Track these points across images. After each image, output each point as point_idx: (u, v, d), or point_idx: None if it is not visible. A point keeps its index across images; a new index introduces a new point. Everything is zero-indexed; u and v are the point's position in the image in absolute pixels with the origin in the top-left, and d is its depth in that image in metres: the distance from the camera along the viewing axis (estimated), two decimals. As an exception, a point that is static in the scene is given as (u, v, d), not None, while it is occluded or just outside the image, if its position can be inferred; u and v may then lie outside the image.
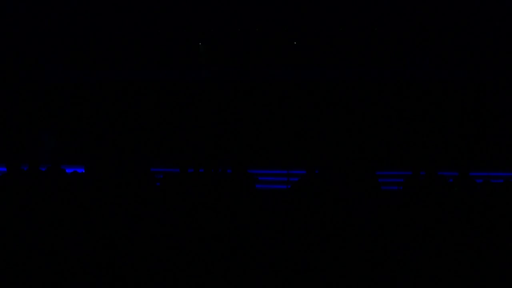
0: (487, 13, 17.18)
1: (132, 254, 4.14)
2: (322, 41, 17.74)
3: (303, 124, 17.91)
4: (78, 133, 17.85)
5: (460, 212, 7.24)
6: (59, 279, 3.70)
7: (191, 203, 6.80)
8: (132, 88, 18.17)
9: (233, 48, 18.06)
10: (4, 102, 19.09)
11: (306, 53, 18.01)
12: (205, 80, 18.00)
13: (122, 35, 18.27)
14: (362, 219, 6.21)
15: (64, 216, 6.00)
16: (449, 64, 17.59)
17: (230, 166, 10.41)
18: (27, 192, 7.39)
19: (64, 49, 18.43)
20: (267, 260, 7.27)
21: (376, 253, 4.49)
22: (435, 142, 16.93)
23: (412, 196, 6.55)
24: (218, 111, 17.83)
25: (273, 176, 13.99)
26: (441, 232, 4.76)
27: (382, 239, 4.97)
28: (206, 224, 5.95)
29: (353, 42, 17.79)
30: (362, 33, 17.69)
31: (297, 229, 8.89)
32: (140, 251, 4.78)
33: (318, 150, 17.71)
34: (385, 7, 17.38)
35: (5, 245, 4.02)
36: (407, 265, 4.13)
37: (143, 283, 3.88)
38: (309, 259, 4.56)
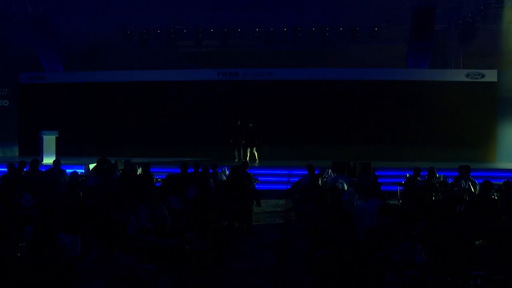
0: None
1: (132, 253, 4.14)
2: None
3: (303, 124, 17.88)
4: (78, 132, 17.84)
5: (459, 211, 7.24)
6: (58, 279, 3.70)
7: (190, 204, 6.79)
8: (130, 88, 18.15)
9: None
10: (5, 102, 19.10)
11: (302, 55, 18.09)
12: (204, 81, 17.99)
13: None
14: (361, 220, 6.21)
15: (64, 216, 6.00)
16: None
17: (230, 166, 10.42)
18: (27, 191, 7.40)
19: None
20: (266, 260, 7.29)
21: (375, 253, 4.49)
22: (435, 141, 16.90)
23: (411, 196, 6.54)
24: (217, 111, 17.80)
25: (273, 176, 13.98)
26: (442, 232, 4.76)
27: (381, 239, 4.97)
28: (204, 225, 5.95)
29: None
30: None
31: (297, 228, 8.89)
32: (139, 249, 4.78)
33: (318, 150, 17.68)
34: None
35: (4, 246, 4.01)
36: (405, 265, 4.13)
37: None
38: (308, 258, 4.57)
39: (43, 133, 14.98)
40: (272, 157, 16.65)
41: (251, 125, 15.89)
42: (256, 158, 15.96)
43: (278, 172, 14.19)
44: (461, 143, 16.73)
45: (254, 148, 15.93)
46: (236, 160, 15.45)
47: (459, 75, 17.44)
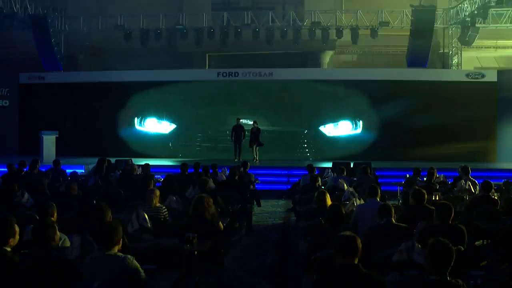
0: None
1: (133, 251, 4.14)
2: None
3: (303, 124, 17.90)
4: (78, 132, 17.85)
5: (459, 211, 7.24)
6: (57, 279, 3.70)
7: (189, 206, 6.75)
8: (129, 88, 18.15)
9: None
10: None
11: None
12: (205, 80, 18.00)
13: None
14: (360, 220, 6.21)
15: (64, 216, 6.00)
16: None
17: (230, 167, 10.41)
18: (27, 191, 7.39)
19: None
20: (266, 260, 7.29)
21: (375, 253, 4.49)
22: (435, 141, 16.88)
23: (411, 196, 6.53)
24: (216, 111, 17.83)
25: (273, 176, 13.98)
26: (442, 232, 4.76)
27: (381, 239, 4.97)
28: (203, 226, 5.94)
29: None
30: None
31: (297, 228, 8.88)
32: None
33: (317, 150, 17.69)
34: None
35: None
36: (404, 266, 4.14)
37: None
38: (308, 258, 4.57)
39: (43, 133, 14.97)
40: (272, 157, 16.66)
41: (256, 124, 15.96)
42: (257, 158, 15.99)
43: (278, 172, 14.19)
44: (461, 143, 16.72)
45: (257, 148, 16.00)
46: (236, 160, 15.46)
47: (459, 75, 17.44)
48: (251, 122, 16.07)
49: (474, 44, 17.46)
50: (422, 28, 16.70)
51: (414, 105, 17.01)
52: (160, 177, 10.75)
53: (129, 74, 18.15)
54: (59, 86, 18.37)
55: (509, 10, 16.71)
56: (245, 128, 16.08)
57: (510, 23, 16.81)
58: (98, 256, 3.91)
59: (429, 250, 3.51)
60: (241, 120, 16.10)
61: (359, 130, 17.62)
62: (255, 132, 15.89)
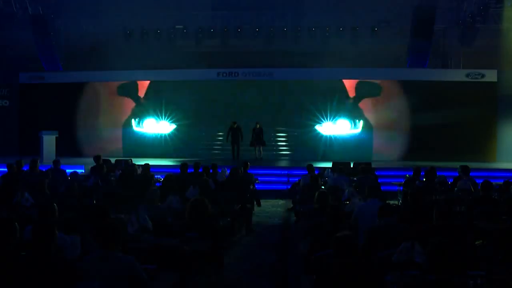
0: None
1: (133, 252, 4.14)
2: None
3: (302, 124, 17.89)
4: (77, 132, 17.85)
5: (459, 211, 7.24)
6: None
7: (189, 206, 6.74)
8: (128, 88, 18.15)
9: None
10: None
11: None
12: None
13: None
14: (360, 220, 6.21)
15: (64, 216, 6.00)
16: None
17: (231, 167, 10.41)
18: (27, 191, 7.40)
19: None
20: (266, 260, 7.29)
21: (375, 253, 4.49)
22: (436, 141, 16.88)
23: (409, 196, 6.54)
24: (216, 111, 17.84)
25: (273, 176, 13.99)
26: (442, 232, 4.76)
27: (381, 239, 4.97)
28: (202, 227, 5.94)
29: None
30: None
31: (297, 228, 8.88)
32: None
33: (317, 150, 17.68)
34: None
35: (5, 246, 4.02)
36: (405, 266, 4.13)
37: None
38: (308, 258, 4.57)
39: (43, 133, 14.97)
40: (272, 157, 16.68)
41: (258, 126, 16.07)
42: (261, 155, 16.13)
43: (278, 172, 14.20)
44: (461, 143, 16.72)
45: (261, 147, 16.12)
46: (234, 160, 15.47)
47: (459, 75, 17.43)
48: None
49: (474, 44, 17.44)
50: (422, 28, 16.70)
51: (414, 105, 17.02)
52: (160, 177, 10.76)
53: (129, 74, 18.15)
54: (59, 86, 18.36)
55: (508, 10, 16.70)
56: (246, 128, 16.12)
57: (510, 23, 16.79)
58: (98, 256, 3.91)
59: (429, 250, 3.52)
60: (236, 124, 16.13)
61: (358, 130, 17.66)
62: (258, 132, 15.99)
